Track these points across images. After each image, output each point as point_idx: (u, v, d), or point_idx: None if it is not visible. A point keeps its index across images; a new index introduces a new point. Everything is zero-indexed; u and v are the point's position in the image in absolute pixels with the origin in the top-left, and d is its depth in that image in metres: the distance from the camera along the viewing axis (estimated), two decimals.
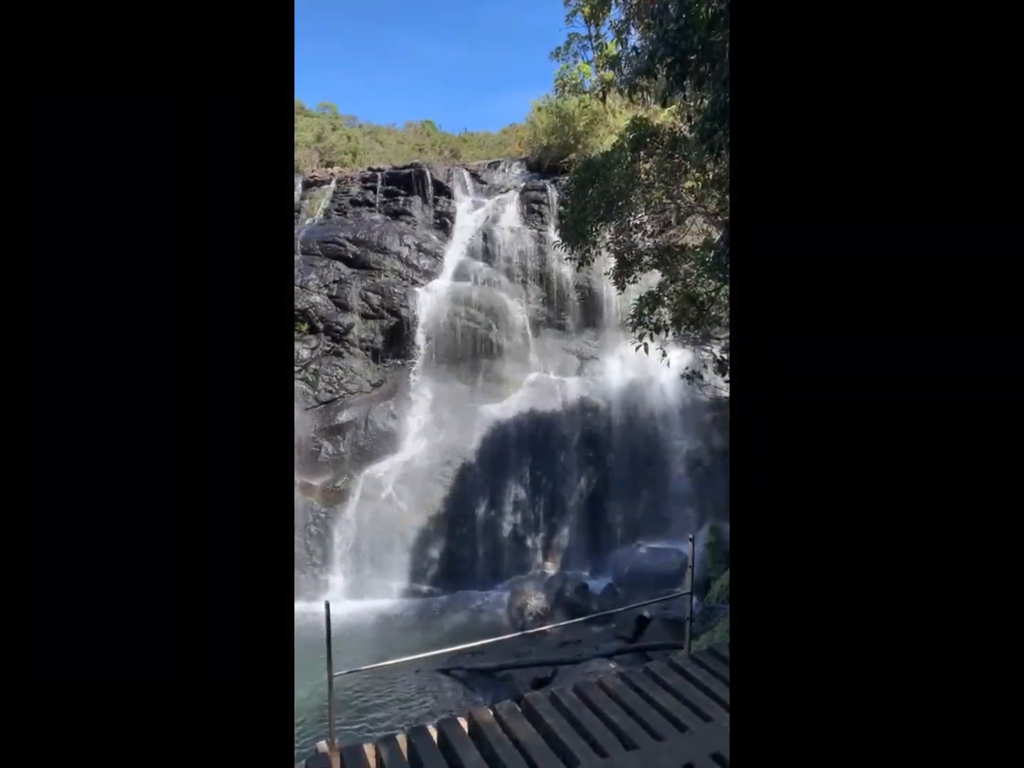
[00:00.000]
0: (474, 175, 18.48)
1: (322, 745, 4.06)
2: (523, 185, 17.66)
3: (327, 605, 4.63)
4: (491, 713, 3.69)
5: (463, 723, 3.64)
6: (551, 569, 13.43)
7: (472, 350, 15.30)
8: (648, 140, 9.76)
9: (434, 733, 3.56)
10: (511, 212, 16.93)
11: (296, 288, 15.27)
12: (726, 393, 13.07)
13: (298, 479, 13.63)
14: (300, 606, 12.34)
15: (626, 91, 9.61)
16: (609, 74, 16.38)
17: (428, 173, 17.51)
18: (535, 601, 11.78)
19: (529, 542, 13.79)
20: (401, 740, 3.51)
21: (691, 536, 5.36)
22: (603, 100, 17.13)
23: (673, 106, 11.83)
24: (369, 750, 3.47)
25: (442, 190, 17.50)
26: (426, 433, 14.49)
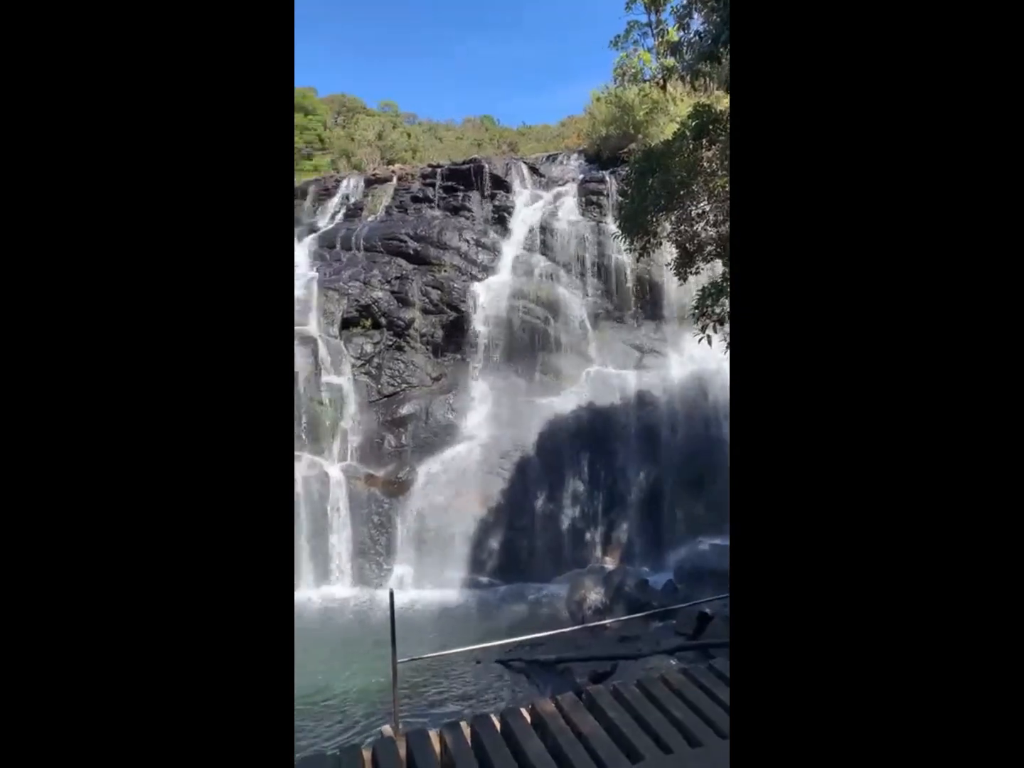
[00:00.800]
0: (532, 168, 18.46)
1: (387, 729, 4.17)
2: (582, 177, 17.53)
3: (391, 594, 4.76)
4: (553, 705, 3.71)
5: (526, 713, 3.68)
6: (610, 564, 13.35)
7: (530, 344, 15.33)
8: (711, 127, 9.50)
9: (497, 722, 3.61)
10: (569, 204, 16.83)
11: (360, 284, 15.64)
12: None
13: (362, 470, 13.99)
14: (364, 593, 12.70)
15: (688, 77, 9.40)
16: (670, 61, 16.03)
17: (486, 168, 17.59)
18: (594, 595, 11.74)
19: (588, 536, 13.74)
20: (464, 727, 3.58)
21: None
22: (663, 88, 16.78)
23: None
24: (434, 736, 3.55)
25: (500, 184, 17.56)
26: (485, 426, 14.61)
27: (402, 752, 3.38)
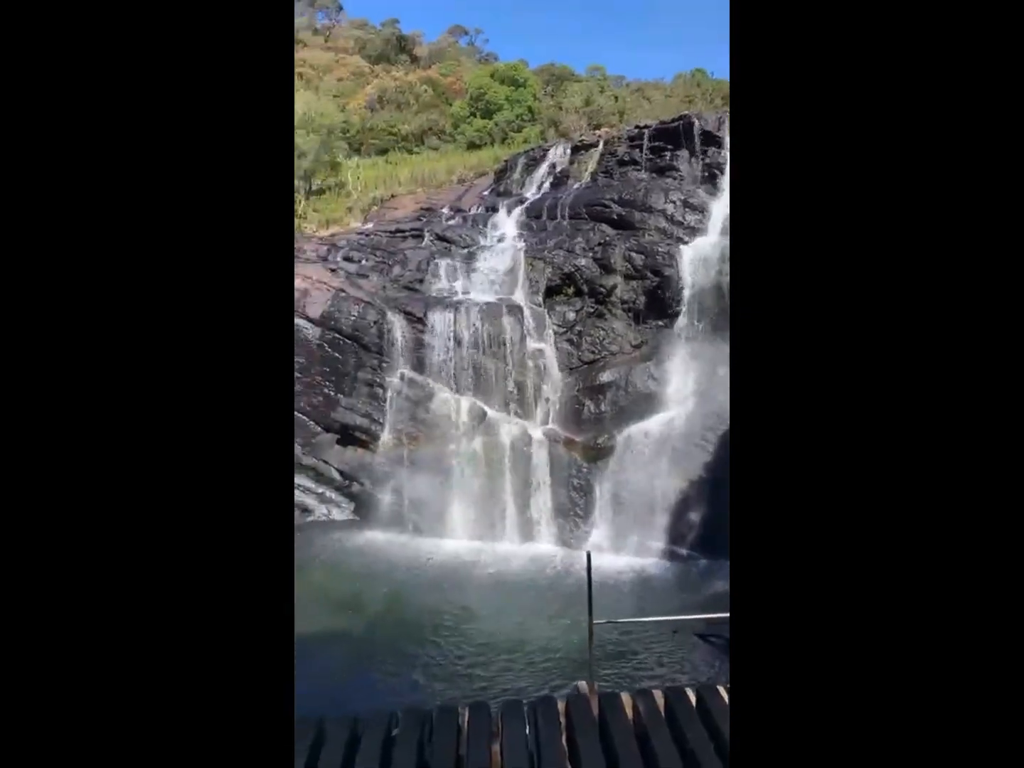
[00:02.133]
0: None
1: (582, 685, 4.29)
2: None
3: (588, 555, 4.83)
4: None
5: (723, 693, 3.54)
6: None
7: None
8: None
9: (692, 697, 3.53)
10: None
11: (563, 252, 15.84)
12: None
13: (561, 434, 14.36)
14: (563, 552, 13.14)
15: None
16: None
17: (696, 123, 16.64)
18: None
19: None
20: (658, 696, 3.55)
21: None
22: None
23: None
24: (626, 699, 3.57)
25: (712, 140, 16.52)
26: (687, 396, 14.13)
27: (595, 710, 3.46)
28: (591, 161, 18.29)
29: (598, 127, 20.57)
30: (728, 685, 3.62)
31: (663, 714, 3.40)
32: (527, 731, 3.28)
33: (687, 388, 14.24)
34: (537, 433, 14.36)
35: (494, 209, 18.21)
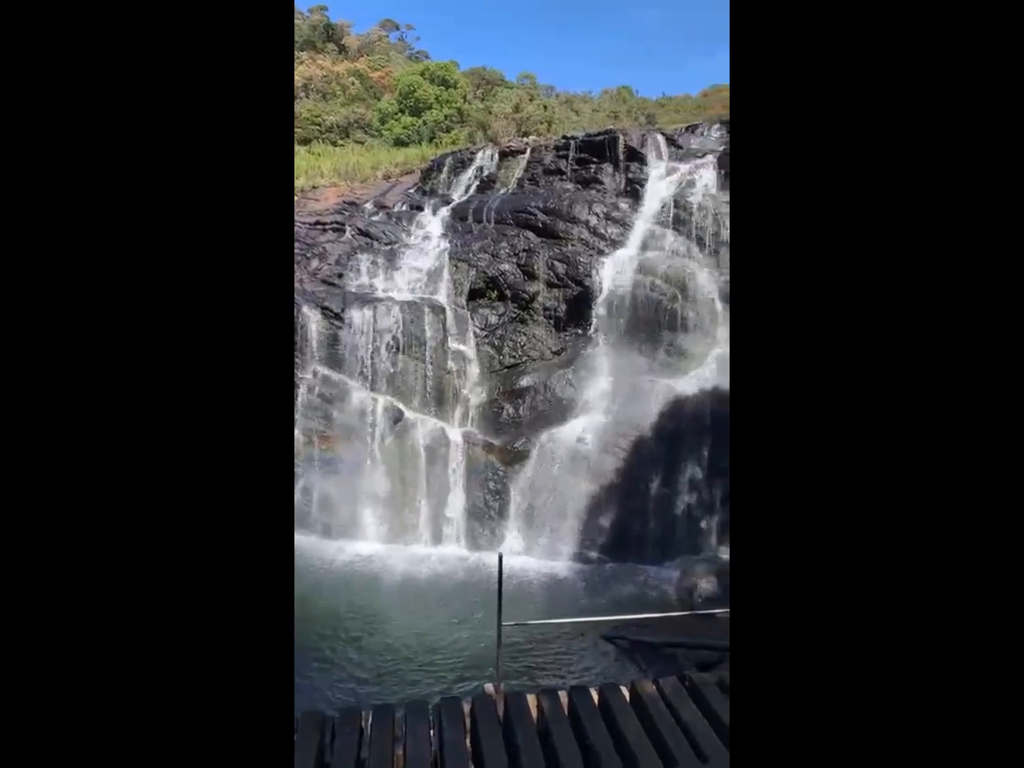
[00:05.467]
0: (670, 140, 17.74)
1: (489, 687, 4.30)
2: (723, 148, 16.61)
3: (500, 557, 4.86)
4: (655, 687, 3.65)
5: (625, 691, 3.64)
6: (725, 554, 12.87)
7: (655, 321, 14.91)
8: None
9: (595, 696, 3.61)
10: (708, 177, 16.04)
11: (488, 256, 15.89)
12: None
13: (480, 437, 14.36)
14: (475, 556, 13.13)
15: None
16: None
17: (621, 139, 17.13)
18: (706, 584, 11.41)
19: (703, 524, 13.31)
20: (562, 696, 3.61)
21: None
22: None
23: None
24: (531, 699, 3.61)
25: (635, 156, 17.06)
26: (603, 403, 14.47)
27: (500, 710, 3.47)
28: (518, 168, 18.46)
29: (526, 134, 20.80)
30: (630, 684, 3.73)
31: (567, 712, 3.46)
32: (431, 733, 3.26)
33: (603, 396, 14.59)
34: (455, 435, 14.30)
35: (419, 208, 18.04)
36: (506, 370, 15.27)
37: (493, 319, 15.58)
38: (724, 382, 14.07)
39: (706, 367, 14.48)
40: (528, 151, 18.63)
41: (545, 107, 23.51)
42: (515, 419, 14.66)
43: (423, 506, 13.66)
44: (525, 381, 14.97)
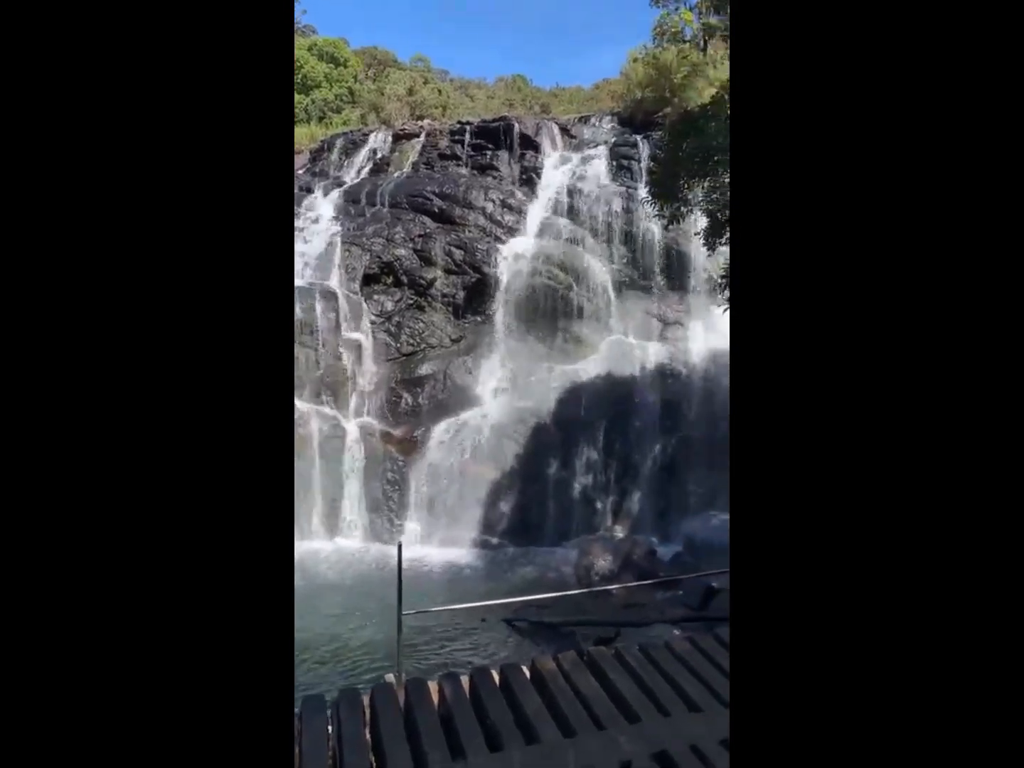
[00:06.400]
0: (564, 129, 18.03)
1: (389, 677, 4.22)
2: (614, 140, 17.09)
3: (399, 546, 4.77)
4: (554, 663, 3.70)
5: (526, 670, 3.68)
6: (620, 532, 13.38)
7: (552, 309, 15.16)
8: None
9: (496, 676, 3.61)
10: (600, 168, 16.45)
11: (383, 240, 15.51)
12: None
13: (378, 427, 14.06)
14: (375, 547, 12.88)
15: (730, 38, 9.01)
16: (713, 20, 15.43)
17: (516, 127, 17.22)
18: (602, 562, 11.79)
19: (600, 504, 13.75)
20: (464, 680, 3.59)
21: None
22: (703, 50, 16.18)
23: None
24: (432, 686, 3.56)
25: (530, 144, 17.20)
26: (502, 391, 14.58)
27: (401, 699, 3.40)
28: (413, 152, 18.13)
29: (421, 118, 20.43)
30: (530, 662, 3.77)
31: (468, 695, 3.44)
32: (328, 728, 3.14)
33: (502, 383, 14.69)
34: (350, 426, 13.92)
35: (309, 190, 17.32)
36: (403, 358, 15.01)
37: (389, 305, 15.25)
38: (617, 368, 14.55)
39: (600, 354, 14.92)
40: (423, 135, 18.33)
41: (439, 91, 23.18)
42: (413, 408, 14.46)
43: (318, 499, 13.20)
44: (423, 369, 14.79)
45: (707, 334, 14.68)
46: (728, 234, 9.96)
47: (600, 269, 15.48)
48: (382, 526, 13.30)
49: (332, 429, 13.68)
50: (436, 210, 16.16)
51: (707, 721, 3.19)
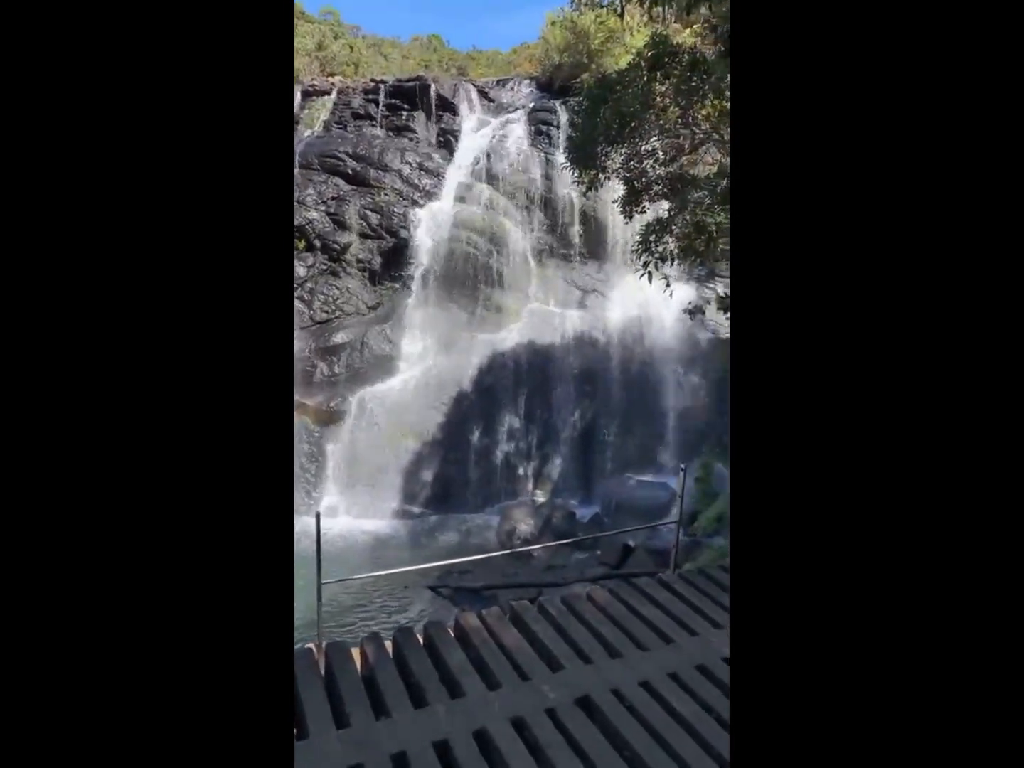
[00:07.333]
0: (481, 92, 17.68)
1: (310, 645, 4.11)
2: (532, 105, 16.93)
3: (317, 516, 4.62)
4: (478, 619, 3.72)
5: (449, 628, 3.67)
6: (541, 497, 13.61)
7: (472, 276, 15.01)
8: (666, 60, 9.25)
9: (420, 636, 3.59)
10: (518, 132, 16.27)
11: (294, 203, 14.80)
12: (726, 332, 12.92)
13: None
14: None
15: (646, 4, 9.03)
16: None
17: (433, 88, 16.74)
18: (524, 526, 11.98)
19: (521, 470, 13.92)
20: (387, 643, 3.55)
21: (683, 466, 5.34)
22: (621, 16, 16.19)
23: (694, 27, 11.14)
24: (355, 650, 3.50)
25: (447, 107, 16.78)
26: (422, 359, 14.38)
27: (322, 665, 3.32)
28: (324, 110, 17.30)
29: (332, 75, 19.48)
30: (453, 621, 3.77)
31: (391, 655, 3.41)
32: None
33: (422, 351, 14.48)
34: None
35: None
36: (318, 326, 14.52)
37: (302, 271, 14.65)
38: (537, 336, 14.64)
39: (521, 321, 14.94)
40: (335, 92, 17.52)
41: (351, 48, 22.15)
42: (330, 377, 14.05)
43: None
44: (339, 337, 14.36)
45: (624, 302, 14.98)
46: (643, 203, 10.12)
47: (519, 236, 15.42)
48: (299, 500, 12.94)
49: None
50: (350, 172, 15.56)
51: (627, 665, 3.29)
